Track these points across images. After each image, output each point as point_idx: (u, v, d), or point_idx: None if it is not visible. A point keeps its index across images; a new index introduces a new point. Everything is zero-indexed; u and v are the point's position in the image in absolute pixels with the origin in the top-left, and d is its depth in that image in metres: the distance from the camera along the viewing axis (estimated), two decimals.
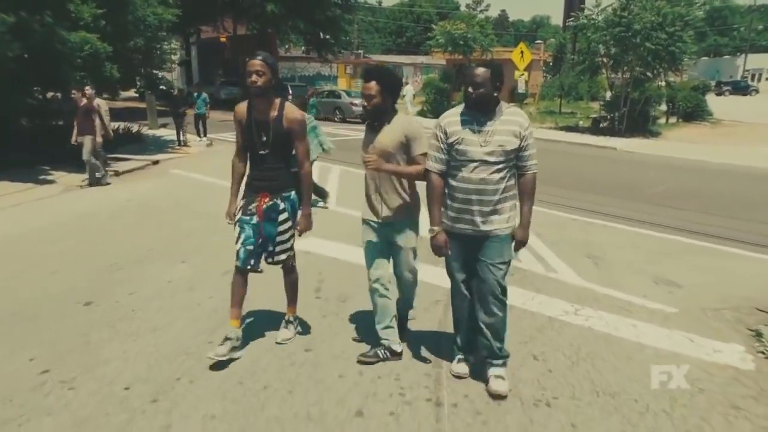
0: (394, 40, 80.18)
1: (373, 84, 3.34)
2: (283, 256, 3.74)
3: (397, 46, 77.70)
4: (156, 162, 13.22)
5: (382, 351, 3.69)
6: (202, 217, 8.06)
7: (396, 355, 3.71)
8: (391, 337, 3.70)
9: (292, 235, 3.75)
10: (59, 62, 10.21)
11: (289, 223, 3.68)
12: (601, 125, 21.42)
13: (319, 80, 39.16)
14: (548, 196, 9.22)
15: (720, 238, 7.68)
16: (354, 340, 4.09)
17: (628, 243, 7.42)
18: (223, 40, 35.15)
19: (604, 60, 19.86)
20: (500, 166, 3.14)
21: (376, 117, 3.46)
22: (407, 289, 3.83)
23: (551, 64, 45.48)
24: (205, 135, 16.55)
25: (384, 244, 3.62)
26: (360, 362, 3.69)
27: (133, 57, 13.52)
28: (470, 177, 3.16)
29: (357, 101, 24.06)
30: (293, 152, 3.61)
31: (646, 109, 20.38)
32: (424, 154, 3.37)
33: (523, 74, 20.28)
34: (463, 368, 3.56)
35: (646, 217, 8.80)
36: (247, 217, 3.60)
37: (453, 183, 3.23)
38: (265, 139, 3.45)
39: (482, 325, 3.32)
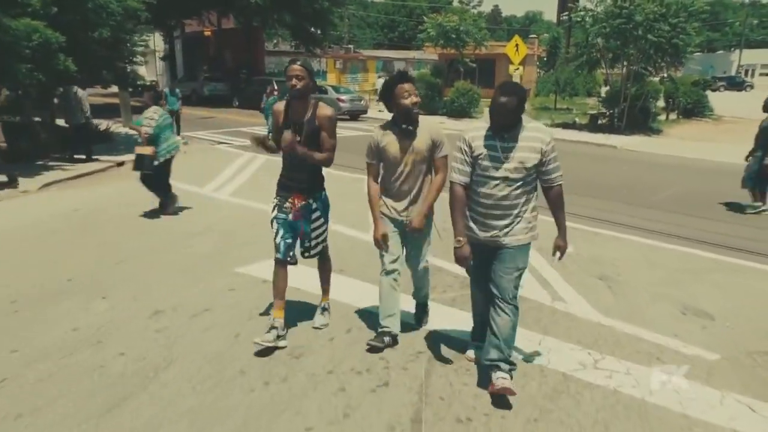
0: (385, 34, 78.97)
1: (409, 86, 3.57)
2: (319, 248, 4.06)
3: (389, 40, 76.49)
4: (120, 164, 12.11)
5: (388, 338, 3.89)
6: (150, 234, 7.00)
7: (395, 342, 3.97)
8: (392, 325, 3.90)
9: (325, 229, 4.05)
10: (2, 53, 9.09)
11: (322, 220, 3.99)
12: (599, 122, 20.48)
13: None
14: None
15: (741, 251, 6.77)
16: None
17: (643, 258, 6.47)
18: (207, 34, 33.94)
19: (603, 53, 18.86)
20: (521, 182, 3.24)
21: (414, 120, 3.64)
22: (420, 279, 4.07)
23: (545, 59, 44.57)
24: (178, 133, 15.39)
25: (400, 236, 3.82)
26: (369, 349, 3.88)
27: (96, 49, 12.35)
28: (492, 193, 3.26)
29: (345, 97, 22.99)
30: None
31: (647, 106, 19.45)
32: (445, 157, 3.67)
33: (518, 69, 19.28)
34: (472, 354, 3.87)
35: (658, 226, 7.86)
36: (283, 215, 3.87)
37: (475, 197, 3.32)
38: (299, 139, 3.65)
39: (494, 327, 3.35)
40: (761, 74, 69.12)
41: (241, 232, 7.08)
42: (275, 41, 49.37)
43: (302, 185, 3.81)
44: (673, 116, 23.68)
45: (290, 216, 3.82)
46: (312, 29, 32.06)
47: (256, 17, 29.20)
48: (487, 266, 3.39)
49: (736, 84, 54.53)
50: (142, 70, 46.96)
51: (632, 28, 16.87)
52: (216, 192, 9.43)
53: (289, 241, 3.86)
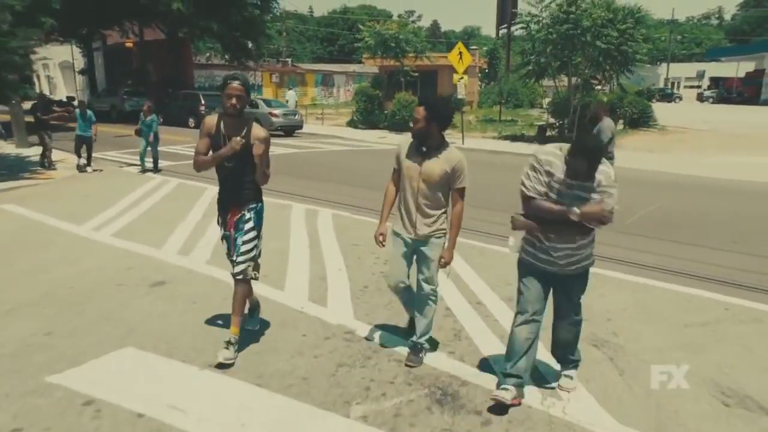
0: (325, 48, 77.55)
1: (421, 109, 3.61)
2: (242, 266, 3.83)
3: (329, 54, 75.10)
4: None
5: (423, 354, 3.88)
6: None
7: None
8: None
9: (255, 246, 3.91)
10: None
11: (254, 233, 3.90)
12: (547, 133, 19.56)
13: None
14: (498, 227, 6.81)
15: (756, 291, 5.48)
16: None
17: (638, 306, 5.07)
18: (129, 45, 31.31)
19: (550, 61, 17.92)
20: None
21: (422, 140, 3.67)
22: (424, 303, 3.83)
23: (486, 70, 44.26)
24: (88, 164, 12.69)
25: (411, 257, 3.84)
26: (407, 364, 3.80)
27: None
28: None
29: (278, 111, 21.18)
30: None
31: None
32: (463, 189, 3.71)
33: (462, 78, 18.08)
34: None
35: (642, 257, 6.51)
36: (227, 232, 3.92)
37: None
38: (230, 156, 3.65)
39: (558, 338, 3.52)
40: (685, 86, 71.98)
41: (96, 302, 4.96)
42: (208, 54, 46.95)
43: (239, 199, 3.80)
44: (618, 126, 23.12)
45: (227, 231, 3.87)
46: (243, 40, 30.07)
47: (181, 27, 27.00)
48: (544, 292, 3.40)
49: (667, 95, 56.19)
50: (60, 85, 43.77)
51: (580, 34, 15.95)
52: (96, 231, 7.43)
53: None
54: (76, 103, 13.63)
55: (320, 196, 10.14)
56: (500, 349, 4.07)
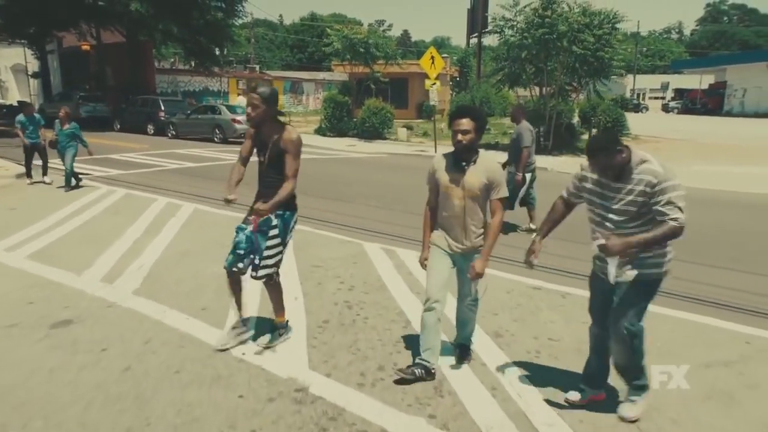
0: (294, 55, 76.47)
1: (466, 120, 3.42)
2: (265, 271, 3.80)
3: (299, 61, 74.07)
4: None
5: (419, 370, 3.59)
6: None
7: (430, 376, 3.61)
8: (431, 359, 3.62)
9: (279, 252, 3.85)
10: None
11: (278, 240, 3.81)
12: None
13: (206, 96, 34.46)
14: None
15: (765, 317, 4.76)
16: None
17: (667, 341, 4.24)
18: (86, 48, 29.74)
19: (525, 67, 17.33)
20: (632, 223, 3.02)
21: (465, 154, 3.50)
22: (467, 313, 3.81)
23: (458, 78, 43.86)
24: (44, 173, 11.28)
25: (451, 273, 3.70)
26: (399, 380, 3.57)
27: None
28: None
29: (240, 117, 20.07)
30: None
31: (572, 124, 18.11)
32: (502, 200, 3.53)
33: (435, 83, 17.35)
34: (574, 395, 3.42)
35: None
36: (244, 225, 3.85)
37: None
38: (262, 159, 3.84)
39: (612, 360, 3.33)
40: (650, 98, 73.27)
41: None
42: (172, 59, 45.47)
43: (268, 200, 3.76)
44: (587, 135, 22.75)
45: (249, 228, 3.80)
46: (208, 45, 28.88)
47: (140, 30, 25.69)
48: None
49: (634, 106, 56.85)
50: (13, 89, 41.66)
51: (555, 39, 15.38)
52: (9, 252, 6.31)
53: (241, 252, 3.82)
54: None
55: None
56: (495, 409, 3.20)
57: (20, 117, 11.04)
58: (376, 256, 6.57)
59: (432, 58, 17.25)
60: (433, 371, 3.63)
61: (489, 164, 3.54)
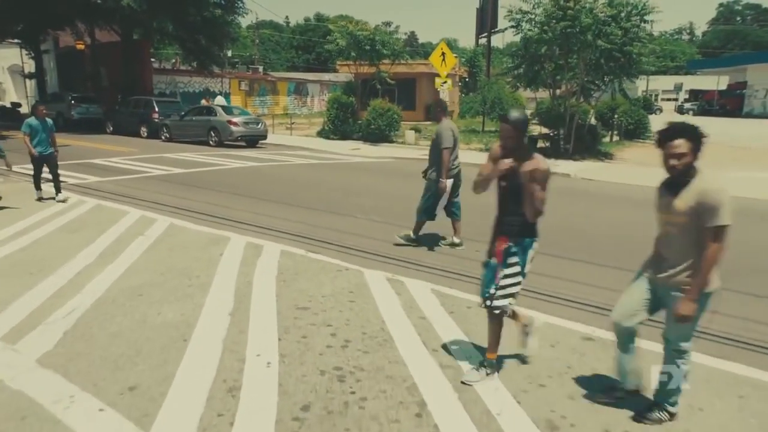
0: (300, 56, 75.40)
1: (681, 142, 2.95)
2: (499, 302, 3.56)
3: (306, 62, 73.01)
4: None
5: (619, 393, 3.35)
6: None
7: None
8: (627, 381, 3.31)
9: (516, 283, 3.57)
10: None
11: (517, 269, 3.55)
12: (537, 145, 17.56)
13: (207, 97, 33.19)
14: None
15: None
16: None
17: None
18: (80, 47, 28.60)
19: (544, 64, 15.96)
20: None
21: (681, 178, 3.01)
22: (669, 362, 3.19)
23: (467, 79, 42.49)
24: (58, 190, 9.27)
25: (651, 300, 3.23)
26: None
27: None
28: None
29: (238, 119, 18.79)
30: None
31: (593, 126, 16.71)
32: (719, 228, 2.88)
33: (446, 81, 15.96)
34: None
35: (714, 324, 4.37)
36: (490, 259, 3.68)
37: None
38: (504, 184, 3.57)
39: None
40: (663, 99, 71.68)
41: None
42: (174, 60, 44.39)
43: (511, 228, 3.58)
44: (614, 138, 21.31)
45: (493, 260, 3.64)
46: (207, 44, 27.65)
47: (134, 27, 24.51)
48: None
49: (647, 107, 55.27)
50: (10, 90, 40.71)
51: (578, 32, 13.99)
52: None
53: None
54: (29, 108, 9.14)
55: (269, 223, 7.86)
56: None
57: (30, 120, 9.12)
58: (380, 290, 5.24)
59: (442, 54, 15.91)
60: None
61: (703, 185, 2.96)
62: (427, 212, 6.87)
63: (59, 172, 9.40)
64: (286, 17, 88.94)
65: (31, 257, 5.97)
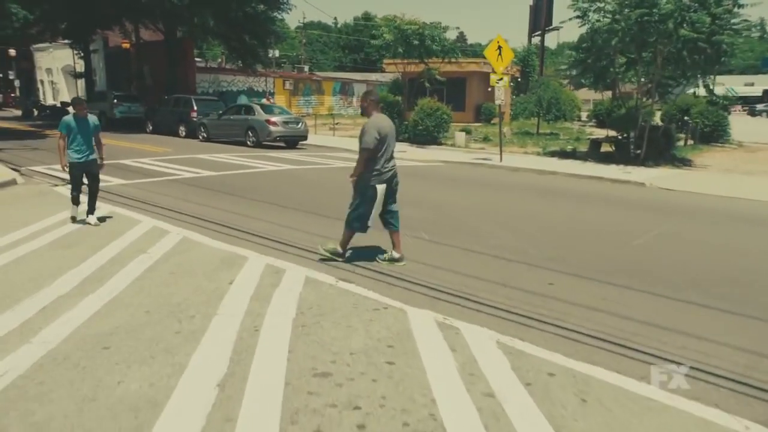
0: (347, 56, 74.78)
1: None
2: None
3: (353, 62, 72.30)
4: None
5: None
6: None
7: None
8: None
9: None
10: None
11: None
12: (601, 149, 15.81)
13: (251, 96, 32.62)
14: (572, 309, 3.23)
15: None
16: None
17: None
18: (125, 46, 28.44)
19: (615, 58, 14.20)
20: None
21: None
22: None
23: (519, 79, 40.49)
24: (91, 210, 7.26)
25: None
26: None
27: None
28: None
29: (277, 119, 17.76)
30: None
31: (669, 128, 14.81)
32: None
33: (502, 78, 14.44)
34: None
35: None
36: None
37: None
38: None
39: None
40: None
41: None
42: (220, 60, 44.24)
43: None
44: (688, 142, 19.22)
45: None
46: (251, 41, 26.91)
47: (175, 23, 23.98)
48: None
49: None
50: (63, 90, 41.40)
51: (658, 21, 12.22)
52: None
53: None
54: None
55: (297, 238, 6.61)
56: None
57: (68, 119, 7.00)
58: (429, 343, 3.92)
59: (499, 48, 14.36)
60: None
61: None
62: (358, 221, 5.72)
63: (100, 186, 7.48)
64: (335, 18, 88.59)
65: None
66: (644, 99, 14.36)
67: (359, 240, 6.14)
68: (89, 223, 7.12)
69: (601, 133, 20.34)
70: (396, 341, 3.96)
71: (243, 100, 25.02)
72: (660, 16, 12.22)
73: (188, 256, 5.88)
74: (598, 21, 13.65)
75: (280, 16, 28.42)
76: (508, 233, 7.30)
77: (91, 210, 7.25)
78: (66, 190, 9.75)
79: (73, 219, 7.28)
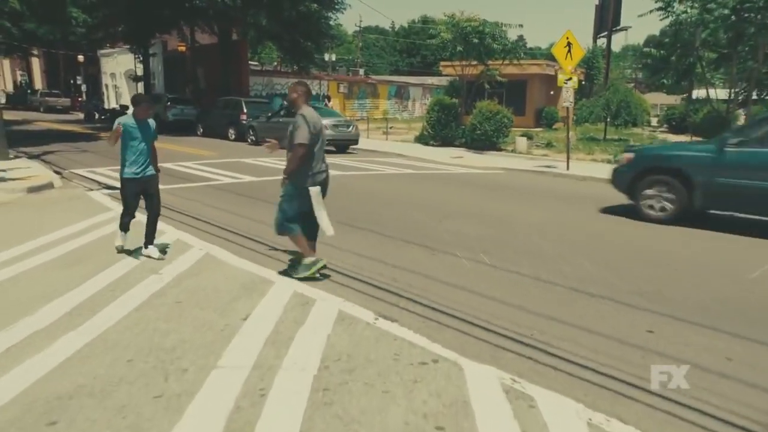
0: (403, 59, 74.06)
1: None
2: None
3: (409, 65, 71.51)
4: None
5: None
6: None
7: None
8: None
9: None
10: None
11: None
12: None
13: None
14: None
15: None
16: None
17: None
18: (181, 49, 28.56)
19: (701, 54, 12.57)
20: None
21: None
22: None
23: (583, 82, 38.35)
24: (150, 240, 5.73)
25: None
26: None
27: None
28: None
29: (326, 122, 16.89)
30: None
31: None
32: None
33: (570, 78, 13.04)
34: None
35: None
36: None
37: None
38: None
39: None
40: None
41: None
42: (276, 63, 44.32)
43: None
44: None
45: None
46: (304, 42, 26.42)
47: (228, 23, 23.75)
48: None
49: None
50: (125, 94, 42.48)
51: (760, 8, 10.57)
52: None
53: None
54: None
55: (334, 259, 5.58)
56: None
57: (125, 120, 5.44)
58: (492, 417, 2.86)
59: (568, 44, 12.98)
60: None
61: None
62: (293, 222, 5.03)
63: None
64: (392, 22, 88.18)
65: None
66: (738, 99, 12.65)
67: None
68: (151, 257, 5.59)
69: (676, 139, 18.46)
70: (448, 418, 2.88)
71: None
72: (761, 5, 10.57)
73: (204, 279, 4.99)
74: (684, 12, 12.08)
75: (334, 17, 27.84)
76: (583, 258, 6.05)
77: (149, 240, 5.71)
78: (100, 195, 9.18)
79: (119, 249, 5.73)
